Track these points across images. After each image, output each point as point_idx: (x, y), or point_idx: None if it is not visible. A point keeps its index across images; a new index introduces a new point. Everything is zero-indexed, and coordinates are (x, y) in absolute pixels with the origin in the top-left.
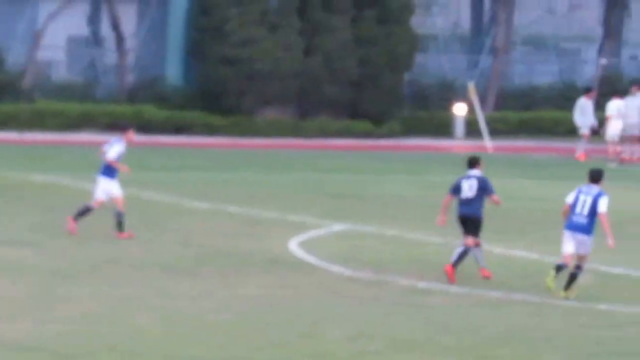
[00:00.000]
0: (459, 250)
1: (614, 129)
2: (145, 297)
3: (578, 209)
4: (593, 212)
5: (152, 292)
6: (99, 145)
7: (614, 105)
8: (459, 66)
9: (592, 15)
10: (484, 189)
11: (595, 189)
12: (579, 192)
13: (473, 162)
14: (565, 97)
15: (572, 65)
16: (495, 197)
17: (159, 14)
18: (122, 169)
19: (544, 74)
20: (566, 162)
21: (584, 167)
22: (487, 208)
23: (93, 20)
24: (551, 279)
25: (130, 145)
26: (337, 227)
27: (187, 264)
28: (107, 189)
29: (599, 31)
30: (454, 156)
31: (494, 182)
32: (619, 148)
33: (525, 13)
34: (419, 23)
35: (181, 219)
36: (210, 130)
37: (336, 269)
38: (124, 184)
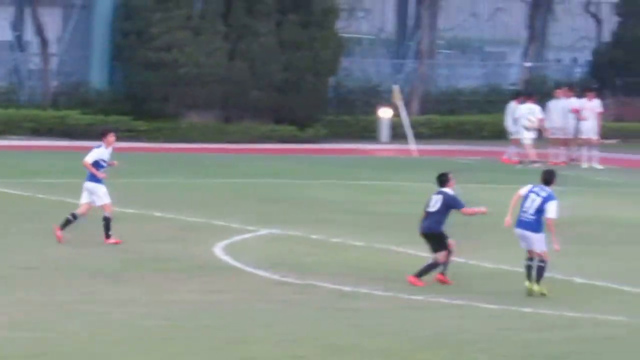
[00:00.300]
0: (428, 261)
1: (527, 131)
2: (73, 303)
3: (526, 206)
4: (539, 211)
5: (79, 297)
6: (23, 151)
7: (525, 109)
8: (384, 70)
9: (516, 19)
10: (450, 205)
11: (545, 191)
12: (532, 190)
13: (442, 180)
14: (490, 100)
15: (497, 68)
16: (464, 210)
17: (83, 18)
18: (99, 175)
19: (469, 78)
20: (491, 165)
21: (509, 171)
22: (407, 212)
23: (17, 25)
24: (530, 284)
25: (109, 148)
26: (264, 231)
27: (114, 270)
28: (93, 192)
29: (523, 35)
30: (379, 160)
31: (419, 187)
32: (532, 150)
33: (450, 17)
34: (344, 27)
35: None
36: (135, 135)
37: (263, 273)
38: (48, 190)
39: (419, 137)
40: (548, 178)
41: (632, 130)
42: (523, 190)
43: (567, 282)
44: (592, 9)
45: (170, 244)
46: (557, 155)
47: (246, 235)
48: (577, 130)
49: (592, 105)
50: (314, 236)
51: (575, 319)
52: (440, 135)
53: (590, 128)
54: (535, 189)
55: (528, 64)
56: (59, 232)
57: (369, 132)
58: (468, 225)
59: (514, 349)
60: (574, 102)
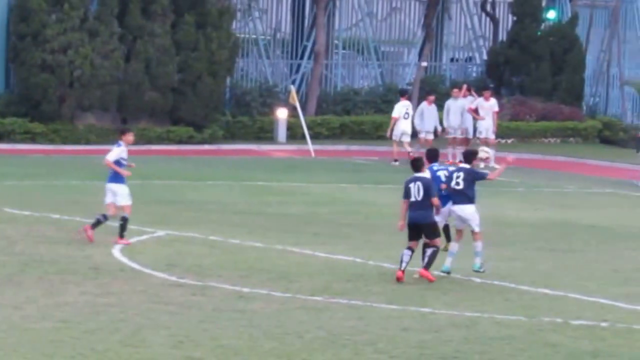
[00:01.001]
0: (427, 253)
1: (398, 129)
2: None
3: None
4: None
5: None
6: None
7: (401, 107)
8: (280, 71)
9: (412, 19)
10: (426, 190)
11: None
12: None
13: (417, 165)
14: (386, 100)
15: (393, 68)
16: (434, 200)
17: None
18: (123, 173)
19: (365, 78)
20: (387, 165)
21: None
22: (305, 213)
23: None
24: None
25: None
26: (161, 233)
27: (9, 272)
28: (116, 193)
29: (419, 34)
30: (276, 160)
31: (316, 187)
32: (408, 148)
33: (346, 17)
34: (240, 28)
35: (2, 226)
36: (31, 137)
37: (161, 275)
38: None
39: (316, 137)
40: (468, 156)
41: (527, 129)
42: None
43: (466, 282)
44: (488, 8)
45: (68, 245)
46: (455, 155)
47: (144, 237)
48: (474, 130)
49: (489, 105)
50: (212, 237)
51: (473, 318)
52: (337, 136)
53: (487, 128)
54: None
55: (424, 64)
56: (89, 232)
57: (265, 133)
58: (364, 226)
59: (412, 349)
60: (472, 101)
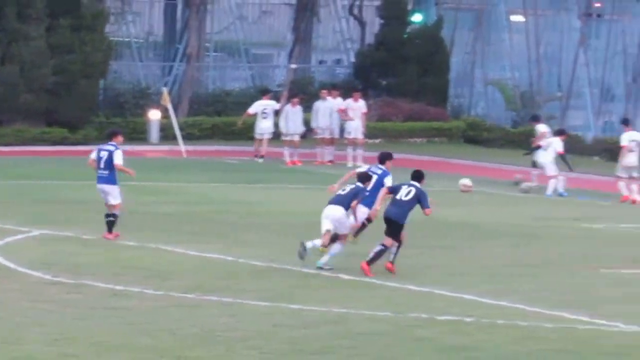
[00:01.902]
0: (376, 249)
1: (260, 128)
2: None
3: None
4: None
5: None
6: None
7: (259, 105)
8: (153, 73)
9: (282, 22)
10: (420, 200)
11: (380, 169)
12: (370, 170)
13: (418, 176)
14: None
15: (264, 70)
16: (428, 210)
17: None
18: (131, 172)
19: (236, 80)
20: (258, 165)
21: (277, 170)
22: (182, 211)
23: None
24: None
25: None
26: (37, 232)
27: None
28: (109, 193)
29: (289, 37)
30: (149, 161)
31: (188, 187)
32: (264, 146)
33: (217, 20)
34: (114, 31)
35: None
36: None
37: (36, 273)
38: None
39: (188, 138)
40: (382, 158)
41: (394, 129)
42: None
43: (335, 278)
44: (356, 11)
45: None
46: (323, 155)
47: (19, 236)
48: (343, 130)
49: (357, 106)
50: (86, 236)
51: (342, 314)
52: (209, 136)
53: (355, 128)
54: (373, 168)
55: (294, 66)
56: (110, 235)
57: (139, 134)
58: (236, 225)
59: (283, 345)
60: (340, 102)
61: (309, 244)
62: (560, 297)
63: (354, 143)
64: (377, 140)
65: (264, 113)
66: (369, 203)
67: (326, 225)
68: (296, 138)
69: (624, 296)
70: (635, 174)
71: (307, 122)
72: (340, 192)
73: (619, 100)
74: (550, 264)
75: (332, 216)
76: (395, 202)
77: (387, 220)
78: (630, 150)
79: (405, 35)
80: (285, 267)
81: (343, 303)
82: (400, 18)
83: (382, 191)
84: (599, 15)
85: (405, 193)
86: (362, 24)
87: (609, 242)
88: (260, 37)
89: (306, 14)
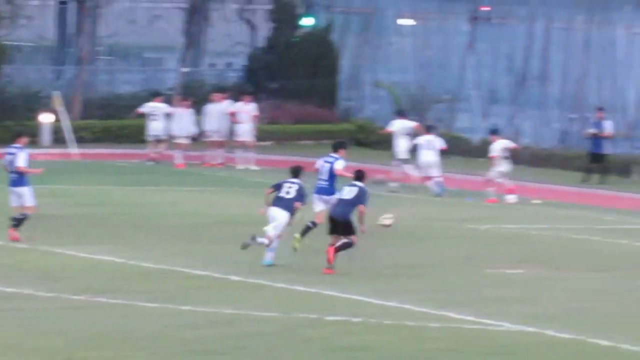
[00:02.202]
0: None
1: (151, 129)
2: None
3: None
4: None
5: None
6: None
7: (149, 106)
8: (45, 76)
9: (173, 26)
10: (361, 197)
11: (333, 157)
12: (326, 160)
13: (360, 176)
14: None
15: (155, 74)
16: (362, 207)
17: None
18: (37, 171)
19: (128, 83)
20: (151, 167)
21: (174, 174)
22: (73, 213)
23: None
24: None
25: None
26: None
27: None
28: (22, 195)
29: (180, 41)
30: (41, 164)
31: (80, 189)
32: (158, 149)
33: (110, 24)
34: (5, 35)
35: None
36: None
37: None
38: None
39: (81, 141)
40: (337, 145)
41: (285, 132)
42: (319, 162)
43: (224, 279)
44: (247, 15)
45: None
46: (214, 157)
47: None
48: (233, 133)
49: (248, 109)
50: None
51: (231, 315)
52: (101, 139)
53: (246, 131)
54: (327, 158)
55: (185, 69)
56: (15, 234)
57: (31, 137)
58: (127, 227)
59: (173, 346)
60: (231, 105)
61: (259, 240)
62: (447, 297)
63: (244, 146)
64: (268, 143)
65: (153, 115)
66: (329, 192)
67: (271, 227)
68: (187, 141)
69: (509, 296)
70: (507, 180)
71: (198, 125)
72: (285, 195)
73: (505, 103)
74: (437, 265)
75: (277, 219)
76: (338, 203)
77: (333, 221)
78: (505, 158)
79: (296, 39)
80: (176, 269)
81: (233, 304)
82: (290, 22)
83: (266, 191)
84: (486, 19)
85: (346, 192)
86: (252, 27)
87: (494, 243)
88: (152, 40)
89: (197, 17)
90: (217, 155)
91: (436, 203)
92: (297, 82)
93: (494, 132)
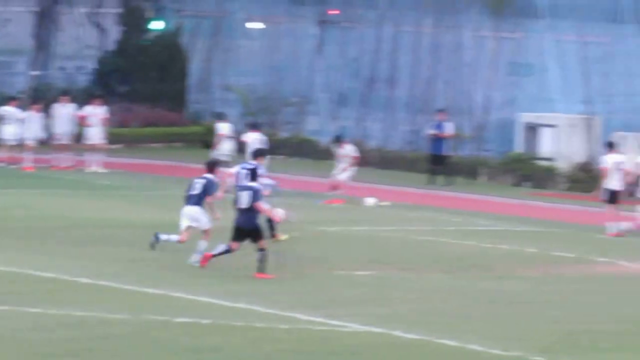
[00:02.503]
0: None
1: (3, 134)
2: None
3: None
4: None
5: None
6: None
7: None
8: None
9: (22, 29)
10: (208, 188)
11: (252, 164)
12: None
13: (253, 175)
14: None
15: (4, 77)
16: (208, 198)
17: None
18: None
19: None
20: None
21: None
22: None
23: None
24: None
25: None
26: None
27: None
28: None
29: (30, 44)
30: None
31: None
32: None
33: None
34: None
35: None
36: None
37: None
38: None
39: None
40: (256, 153)
41: (135, 135)
42: (235, 169)
43: (73, 282)
44: (96, 19)
45: None
46: (62, 160)
47: None
48: (82, 136)
49: (97, 112)
50: None
51: (81, 317)
52: None
53: (95, 134)
54: (245, 164)
55: (34, 73)
56: None
57: None
58: None
59: (22, 349)
60: (77, 109)
61: (163, 237)
62: (296, 298)
63: (93, 149)
64: (117, 146)
65: (7, 119)
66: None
67: (185, 222)
68: (34, 143)
69: (357, 297)
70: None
71: (47, 128)
72: (192, 191)
73: (353, 105)
74: (286, 266)
75: (189, 215)
76: (240, 213)
77: (239, 230)
78: (354, 165)
79: (145, 43)
80: (25, 272)
81: (82, 306)
82: (139, 25)
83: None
84: (335, 23)
85: (242, 200)
86: (102, 31)
87: (343, 245)
88: (1, 44)
89: (47, 21)
90: (65, 158)
91: (286, 205)
92: (147, 85)
93: (338, 139)
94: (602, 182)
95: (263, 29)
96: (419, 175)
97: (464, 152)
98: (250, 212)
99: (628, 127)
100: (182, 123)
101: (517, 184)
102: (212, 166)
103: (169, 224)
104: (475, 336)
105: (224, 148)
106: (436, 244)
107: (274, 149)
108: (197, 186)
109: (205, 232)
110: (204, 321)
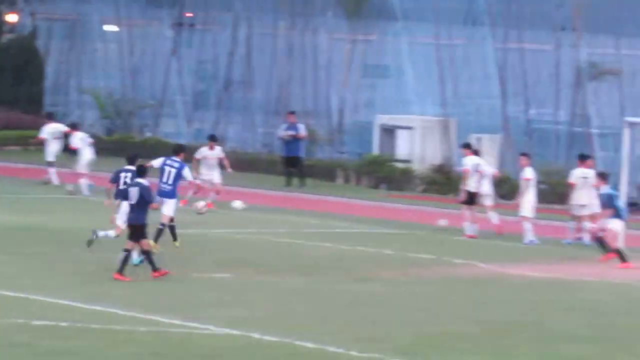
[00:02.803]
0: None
1: None
2: None
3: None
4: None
5: None
6: None
7: None
8: None
9: None
10: (144, 196)
11: (177, 162)
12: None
13: (141, 171)
14: None
15: None
16: (154, 205)
17: None
18: None
19: None
20: None
21: None
22: None
23: None
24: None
25: None
26: None
27: None
28: None
29: None
30: None
31: None
32: None
33: None
34: None
35: None
36: None
37: None
38: None
39: None
40: (177, 149)
41: None
42: (156, 163)
43: None
44: None
45: None
46: None
47: None
48: None
49: None
50: None
51: None
52: None
53: None
54: (168, 162)
55: None
56: None
57: None
58: None
59: None
60: None
61: (101, 233)
62: (154, 301)
63: None
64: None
65: None
66: (171, 195)
67: (120, 220)
68: None
69: (216, 300)
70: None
71: None
72: (124, 185)
73: (210, 108)
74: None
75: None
76: (130, 210)
77: (130, 227)
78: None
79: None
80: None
81: None
82: None
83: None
84: (190, 25)
85: (131, 196)
86: None
87: (200, 247)
88: None
89: None
90: None
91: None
92: (2, 88)
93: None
94: (463, 183)
95: (119, 31)
96: (277, 178)
97: (322, 155)
98: (140, 209)
99: (483, 129)
100: (39, 126)
101: (375, 186)
102: (132, 160)
103: (22, 227)
104: (334, 338)
105: (52, 150)
106: (294, 246)
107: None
108: (128, 180)
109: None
110: (63, 324)
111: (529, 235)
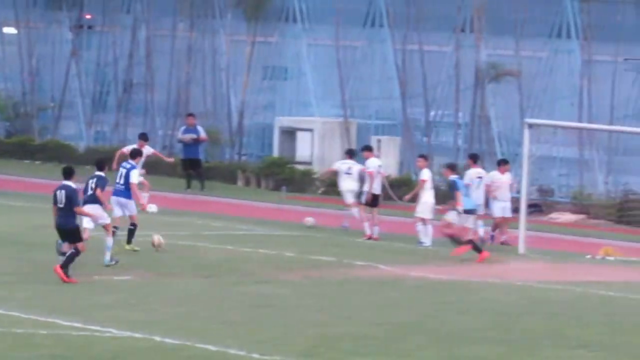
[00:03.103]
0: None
1: None
2: None
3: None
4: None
5: None
6: None
7: None
8: None
9: None
10: (71, 199)
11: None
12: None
13: (68, 173)
14: None
15: None
16: (79, 209)
17: None
18: None
19: None
20: None
21: None
22: None
23: None
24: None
25: None
26: None
27: None
28: None
29: None
30: None
31: None
32: None
33: None
34: None
35: None
36: None
37: None
38: None
39: None
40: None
41: None
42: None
43: None
44: None
45: None
46: None
47: None
48: None
49: None
50: None
51: None
52: None
53: None
54: (125, 164)
55: None
56: None
57: None
58: None
59: None
60: None
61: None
62: (55, 303)
63: None
64: None
65: None
66: (125, 195)
67: (85, 224)
68: None
69: (117, 302)
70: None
71: None
72: (90, 191)
73: (110, 110)
74: (45, 271)
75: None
76: (58, 212)
77: (59, 230)
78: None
79: None
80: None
81: None
82: None
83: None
84: (90, 27)
85: (59, 199)
86: None
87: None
88: None
89: None
90: None
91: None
92: None
93: (144, 135)
94: (368, 185)
95: (18, 33)
96: (178, 180)
97: (223, 157)
98: (67, 212)
99: (384, 131)
100: None
101: (276, 188)
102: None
103: None
104: (236, 341)
105: None
106: (195, 248)
107: (31, 154)
108: (92, 185)
109: (105, 228)
110: None
111: (422, 237)
